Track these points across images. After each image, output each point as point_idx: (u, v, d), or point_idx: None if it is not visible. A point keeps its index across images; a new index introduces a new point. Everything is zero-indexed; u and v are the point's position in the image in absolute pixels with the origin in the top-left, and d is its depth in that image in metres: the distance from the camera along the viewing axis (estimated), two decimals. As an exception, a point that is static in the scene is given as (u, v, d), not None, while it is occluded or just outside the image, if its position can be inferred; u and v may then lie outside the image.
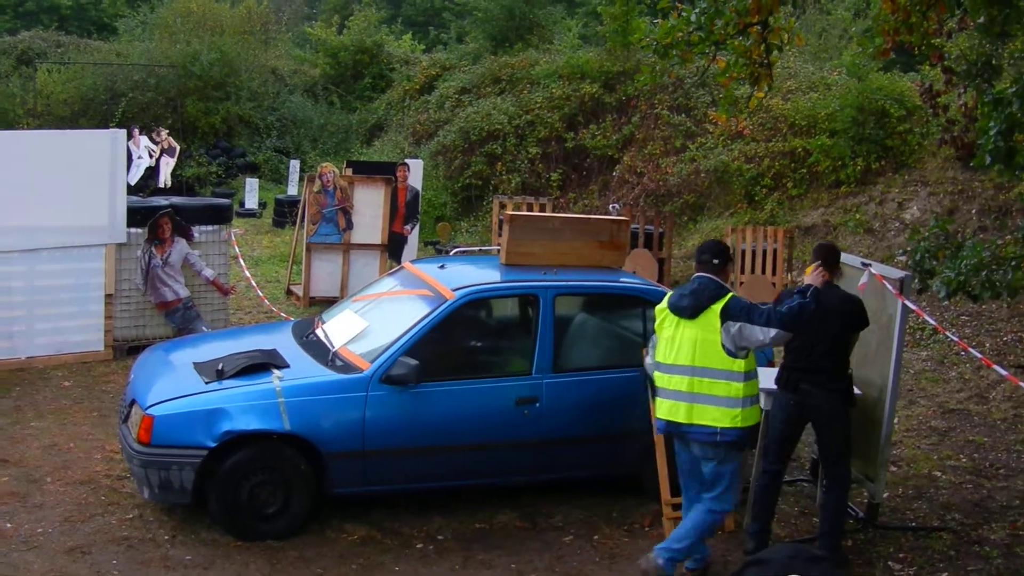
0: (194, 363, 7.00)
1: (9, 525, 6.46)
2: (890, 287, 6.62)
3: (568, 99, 19.50)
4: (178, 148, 20.52)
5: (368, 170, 14.03)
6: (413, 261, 8.79)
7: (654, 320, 7.36)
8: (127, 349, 10.12)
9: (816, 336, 6.22)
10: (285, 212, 18.41)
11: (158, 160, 19.81)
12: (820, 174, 15.36)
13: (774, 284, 12.50)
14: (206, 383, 6.64)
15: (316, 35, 27.06)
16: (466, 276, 7.47)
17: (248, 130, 24.05)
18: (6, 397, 8.86)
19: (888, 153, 14.99)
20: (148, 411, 6.43)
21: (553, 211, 15.07)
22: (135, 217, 10.14)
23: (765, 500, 6.56)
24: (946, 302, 9.60)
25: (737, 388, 5.90)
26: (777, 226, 14.01)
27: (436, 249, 15.45)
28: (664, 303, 6.20)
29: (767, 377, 6.60)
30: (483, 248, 13.57)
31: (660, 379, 6.13)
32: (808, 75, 18.27)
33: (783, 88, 17.45)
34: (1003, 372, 7.32)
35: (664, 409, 6.10)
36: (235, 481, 6.39)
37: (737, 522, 6.90)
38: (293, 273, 13.88)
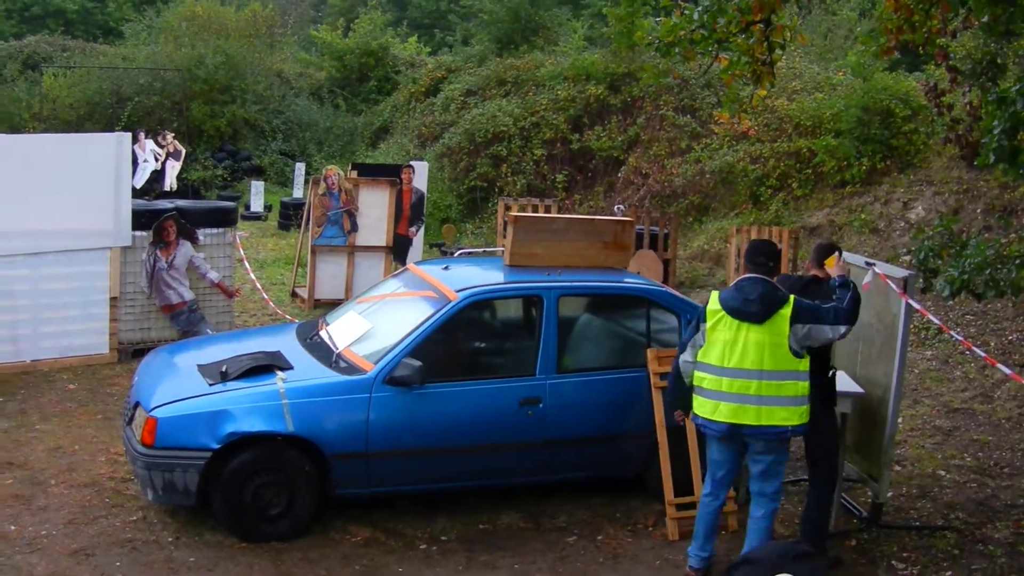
0: (198, 365, 7.01)
1: (13, 527, 6.47)
2: (894, 286, 6.62)
3: (573, 101, 19.50)
4: (184, 151, 20.57)
5: (373, 172, 14.03)
6: (417, 262, 8.80)
7: (657, 320, 7.44)
8: (132, 352, 10.14)
9: None
10: (290, 215, 18.41)
11: (164, 163, 19.87)
12: (825, 174, 15.33)
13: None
14: (210, 385, 6.64)
15: (322, 38, 27.08)
16: (470, 277, 7.47)
17: (253, 133, 24.08)
18: (11, 400, 8.88)
19: (893, 153, 14.96)
20: (152, 413, 6.44)
21: (558, 213, 15.06)
22: (140, 220, 10.16)
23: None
24: (950, 301, 9.59)
25: (803, 386, 5.94)
26: (782, 226, 13.98)
27: (441, 251, 15.45)
28: (717, 305, 6.06)
29: None
30: (488, 250, 13.58)
31: (713, 382, 6.00)
32: (813, 75, 18.26)
33: (788, 88, 17.44)
34: (1008, 371, 7.29)
35: (725, 412, 5.96)
36: (239, 483, 6.39)
37: (740, 521, 6.89)
38: (298, 275, 13.89)
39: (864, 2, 23.58)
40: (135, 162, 17.75)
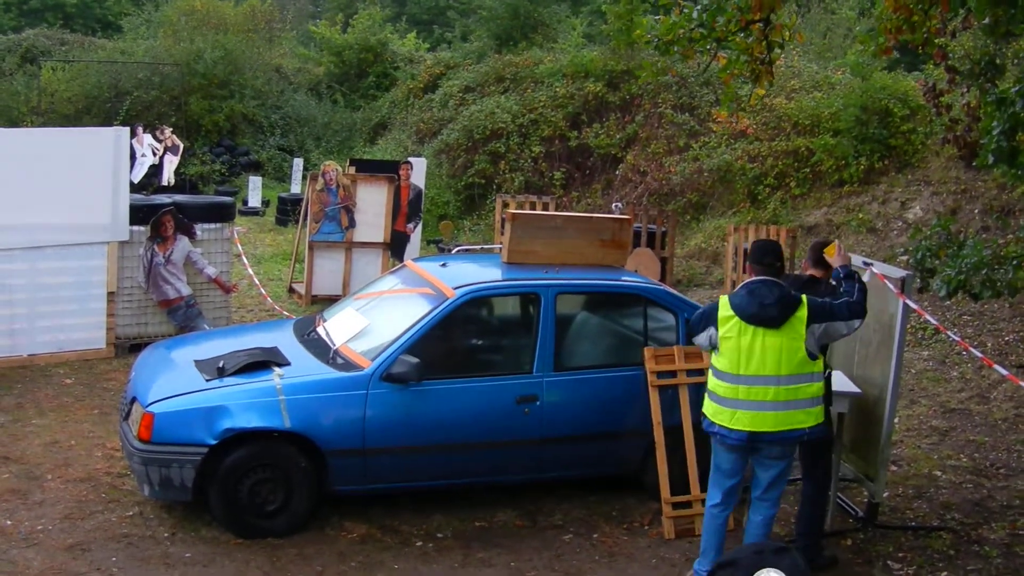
0: (195, 361, 7.00)
1: (9, 522, 6.47)
2: (891, 286, 6.61)
3: (572, 98, 19.50)
4: (182, 146, 20.55)
5: (371, 168, 14.02)
6: (415, 259, 8.79)
7: (655, 319, 7.43)
8: (129, 347, 10.13)
9: None
10: (288, 210, 18.41)
11: (162, 158, 19.84)
12: (823, 173, 15.35)
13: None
14: (207, 381, 6.64)
15: (320, 33, 27.07)
16: (468, 274, 7.45)
17: (252, 128, 24.06)
18: (8, 394, 8.87)
19: (891, 152, 14.98)
20: (149, 408, 6.44)
21: (556, 210, 15.07)
22: (138, 215, 10.14)
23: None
24: (947, 301, 9.60)
25: (818, 387, 5.88)
26: (780, 225, 14.00)
27: (439, 248, 15.45)
28: (729, 311, 5.88)
29: None
30: (485, 247, 13.57)
31: (728, 389, 5.84)
32: (812, 74, 18.27)
33: (787, 87, 17.45)
34: (1004, 372, 7.30)
35: (744, 420, 5.80)
36: (235, 479, 6.39)
37: (737, 520, 6.89)
38: (295, 271, 13.88)
39: (863, 1, 23.58)
40: (133, 157, 17.71)
